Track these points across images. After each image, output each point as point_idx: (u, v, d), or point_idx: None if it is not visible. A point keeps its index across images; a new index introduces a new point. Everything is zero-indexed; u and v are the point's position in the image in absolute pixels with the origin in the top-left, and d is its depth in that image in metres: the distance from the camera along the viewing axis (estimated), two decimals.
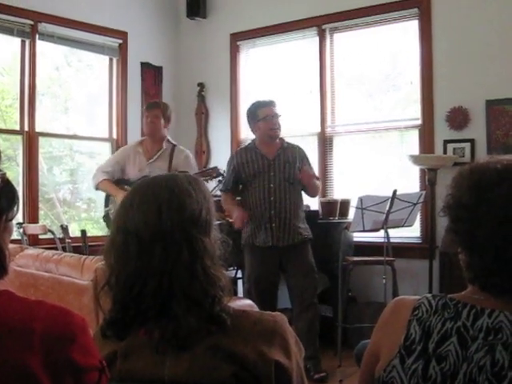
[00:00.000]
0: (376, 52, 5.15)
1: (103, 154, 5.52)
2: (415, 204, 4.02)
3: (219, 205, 4.07)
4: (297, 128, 5.35)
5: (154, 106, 4.26)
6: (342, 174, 5.30)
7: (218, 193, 4.28)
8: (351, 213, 4.39)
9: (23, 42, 4.94)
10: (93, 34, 5.33)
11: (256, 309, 2.77)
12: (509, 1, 4.41)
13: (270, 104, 4.02)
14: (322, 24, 5.27)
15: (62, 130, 5.42)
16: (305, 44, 5.49)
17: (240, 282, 4.79)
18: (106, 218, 4.22)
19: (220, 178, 4.10)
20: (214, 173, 4.07)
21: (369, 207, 3.93)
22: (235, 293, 4.55)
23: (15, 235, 4.44)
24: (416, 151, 4.81)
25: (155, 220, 1.21)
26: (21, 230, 4.57)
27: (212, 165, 5.28)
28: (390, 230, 4.11)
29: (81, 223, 5.50)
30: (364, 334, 3.55)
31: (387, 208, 3.97)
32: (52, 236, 4.78)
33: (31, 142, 4.95)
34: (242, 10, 5.70)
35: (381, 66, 5.17)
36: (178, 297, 1.18)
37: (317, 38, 5.34)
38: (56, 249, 4.37)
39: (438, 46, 4.70)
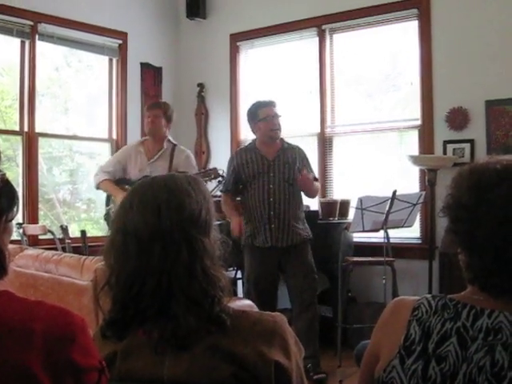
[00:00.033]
0: (376, 52, 5.15)
1: (103, 154, 5.52)
2: (415, 204, 4.02)
3: (219, 205, 4.07)
4: (296, 128, 5.34)
5: (155, 106, 4.28)
6: (341, 175, 5.30)
7: (218, 193, 4.28)
8: (351, 213, 4.39)
9: (23, 43, 4.94)
10: (93, 34, 5.33)
11: (256, 309, 2.76)
12: (509, 1, 4.41)
13: (270, 104, 4.01)
14: (321, 24, 5.27)
15: (62, 131, 5.42)
16: (304, 44, 5.49)
17: (240, 283, 4.79)
18: (107, 216, 4.23)
19: (220, 179, 4.10)
20: (214, 173, 4.07)
21: (368, 207, 3.93)
22: (235, 293, 4.55)
23: (15, 236, 4.44)
24: (416, 152, 4.81)
25: (154, 219, 1.21)
26: (20, 231, 4.57)
27: (212, 165, 5.28)
28: (389, 231, 4.11)
29: (80, 224, 5.50)
30: (364, 334, 3.55)
31: (387, 208, 3.97)
32: (52, 236, 4.78)
33: (31, 142, 4.95)
34: (242, 11, 5.70)
35: (380, 67, 5.17)
36: (177, 296, 1.18)
37: (316, 39, 5.34)
38: (56, 249, 4.36)
39: (438, 47, 4.70)
